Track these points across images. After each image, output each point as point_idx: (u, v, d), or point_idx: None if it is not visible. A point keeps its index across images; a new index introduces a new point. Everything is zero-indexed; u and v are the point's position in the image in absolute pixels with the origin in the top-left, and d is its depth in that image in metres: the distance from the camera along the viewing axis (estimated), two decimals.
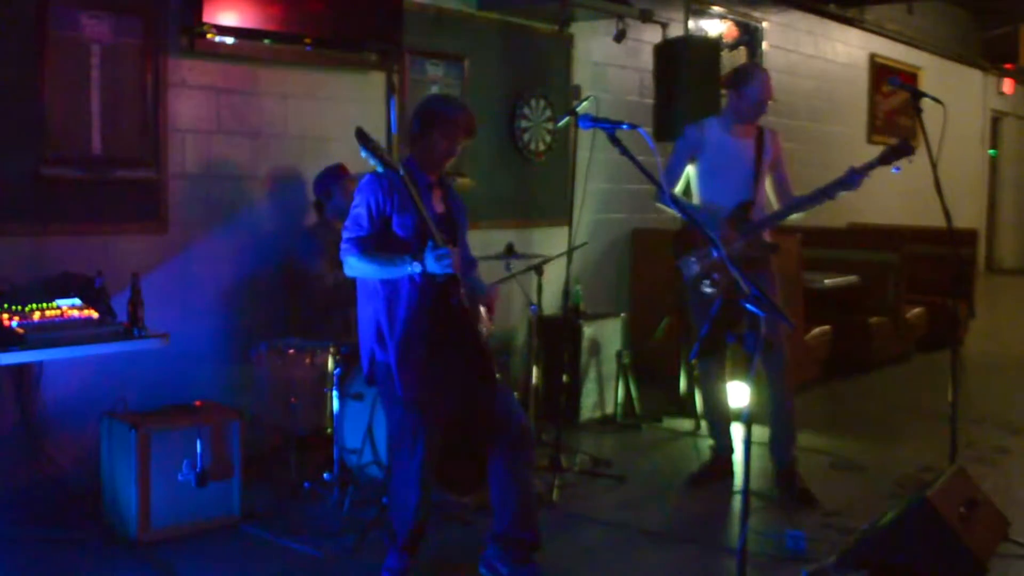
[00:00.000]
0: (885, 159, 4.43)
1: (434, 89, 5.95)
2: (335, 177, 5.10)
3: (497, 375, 3.75)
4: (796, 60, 9.67)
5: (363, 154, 3.39)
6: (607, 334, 6.23)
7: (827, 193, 4.59)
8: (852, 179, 4.49)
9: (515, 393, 4.14)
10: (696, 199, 4.88)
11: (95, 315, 3.94)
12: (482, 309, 3.86)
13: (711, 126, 4.84)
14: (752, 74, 4.75)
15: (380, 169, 3.44)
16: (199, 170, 4.94)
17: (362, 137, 3.39)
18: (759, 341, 2.94)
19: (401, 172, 3.41)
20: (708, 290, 4.67)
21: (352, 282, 4.96)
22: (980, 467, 5.16)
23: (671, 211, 4.66)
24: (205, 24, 4.68)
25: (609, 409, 6.24)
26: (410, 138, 3.70)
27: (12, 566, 3.81)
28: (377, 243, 3.53)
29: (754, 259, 4.65)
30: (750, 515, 2.94)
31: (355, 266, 3.55)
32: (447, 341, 3.56)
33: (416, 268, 3.42)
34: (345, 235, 3.57)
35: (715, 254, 4.42)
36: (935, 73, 12.60)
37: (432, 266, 3.39)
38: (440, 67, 6.03)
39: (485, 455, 3.71)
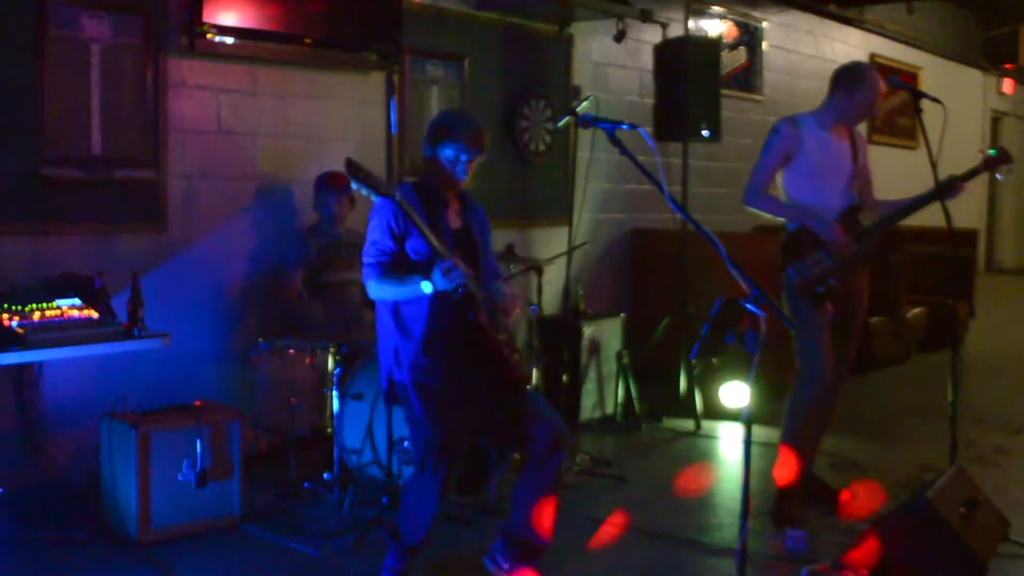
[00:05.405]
0: (989, 166, 4.37)
1: (434, 89, 5.96)
2: (319, 187, 5.06)
3: (528, 384, 3.68)
4: (796, 60, 9.67)
5: (354, 186, 3.28)
6: (607, 334, 6.23)
7: (925, 200, 4.39)
8: (952, 187, 4.30)
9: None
10: (786, 201, 4.51)
11: (95, 315, 3.94)
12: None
13: (807, 123, 4.46)
14: (865, 74, 4.43)
15: (375, 199, 3.34)
16: (199, 170, 4.94)
17: (352, 168, 3.24)
18: (759, 341, 2.93)
19: (398, 198, 3.32)
20: (819, 295, 4.39)
21: (317, 291, 4.98)
22: (980, 467, 5.16)
23: (765, 215, 4.50)
24: (205, 24, 4.69)
25: (609, 409, 6.23)
26: (423, 158, 3.63)
27: (12, 566, 3.80)
28: (397, 265, 3.49)
29: (860, 264, 4.48)
30: (750, 515, 2.94)
31: (375, 289, 3.52)
32: (467, 358, 3.52)
33: (428, 288, 3.37)
34: (366, 259, 3.53)
35: (828, 261, 4.38)
36: (935, 73, 12.60)
37: (441, 283, 3.33)
38: (440, 67, 6.03)
39: (488, 457, 3.69)
